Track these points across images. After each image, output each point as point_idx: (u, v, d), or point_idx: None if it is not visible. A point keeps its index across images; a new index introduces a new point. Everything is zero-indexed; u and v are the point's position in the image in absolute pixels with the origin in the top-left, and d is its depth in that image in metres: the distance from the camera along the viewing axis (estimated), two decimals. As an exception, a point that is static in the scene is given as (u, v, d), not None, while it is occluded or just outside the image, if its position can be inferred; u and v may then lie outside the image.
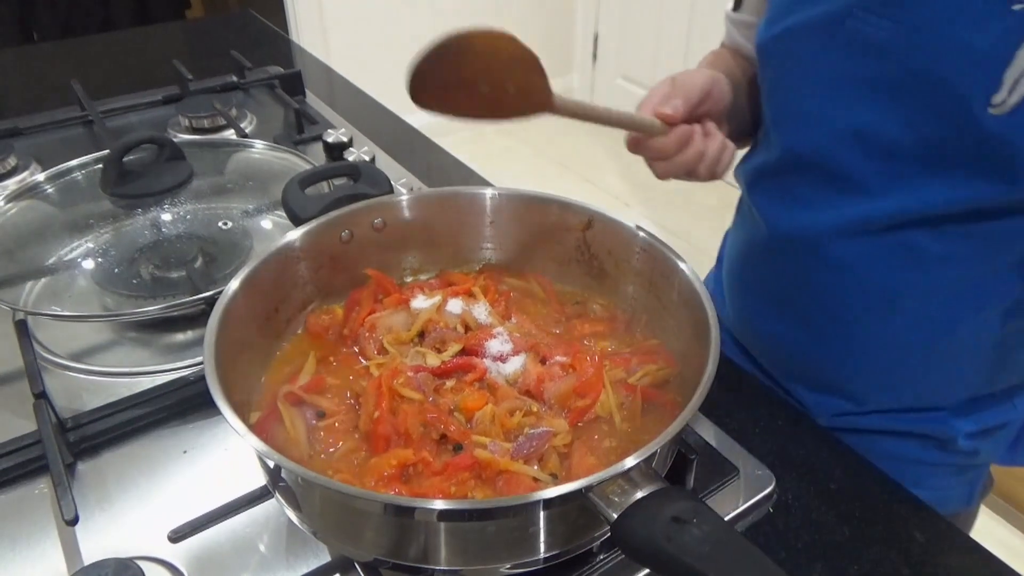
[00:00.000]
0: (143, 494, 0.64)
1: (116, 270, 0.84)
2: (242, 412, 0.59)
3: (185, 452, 0.68)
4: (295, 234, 0.67)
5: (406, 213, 0.72)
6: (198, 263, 0.85)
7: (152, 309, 0.76)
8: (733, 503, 0.63)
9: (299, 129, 1.19)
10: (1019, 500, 1.78)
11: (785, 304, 0.81)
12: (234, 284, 0.60)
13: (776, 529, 0.62)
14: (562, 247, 0.73)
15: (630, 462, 0.46)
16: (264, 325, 0.65)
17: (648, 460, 0.47)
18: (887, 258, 0.70)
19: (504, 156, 3.45)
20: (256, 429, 0.58)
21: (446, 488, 0.53)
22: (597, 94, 3.66)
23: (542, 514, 0.47)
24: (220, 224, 0.85)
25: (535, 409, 0.59)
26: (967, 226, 0.65)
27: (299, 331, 0.69)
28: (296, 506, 0.51)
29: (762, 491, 0.64)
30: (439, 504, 0.45)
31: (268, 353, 0.65)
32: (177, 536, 0.54)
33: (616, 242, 0.70)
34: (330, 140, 1.12)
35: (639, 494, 0.46)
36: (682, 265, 0.62)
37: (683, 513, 0.43)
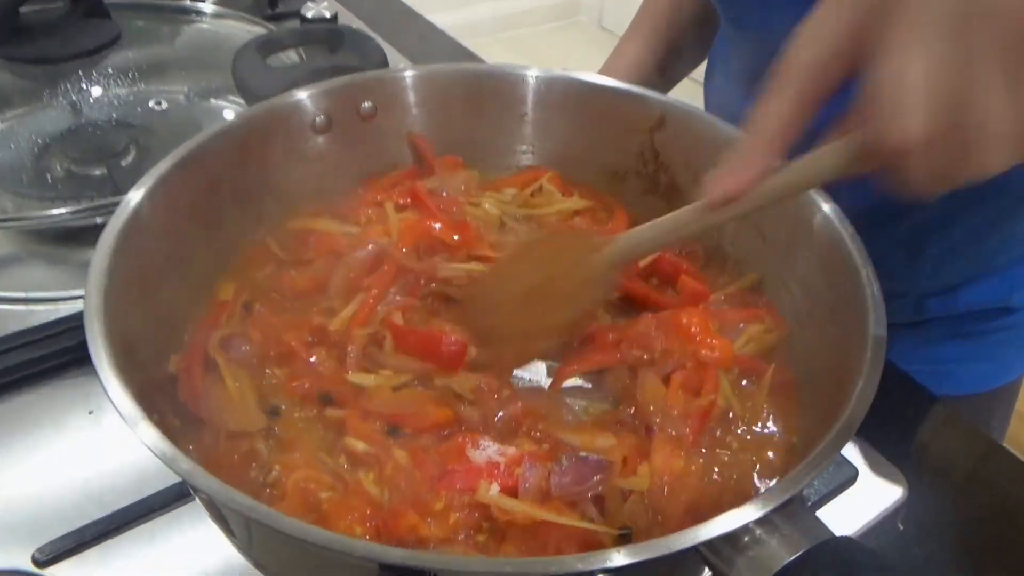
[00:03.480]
0: (26, 471, 0.46)
1: (19, 163, 0.65)
2: (157, 366, 0.40)
3: (91, 412, 0.50)
4: (245, 115, 0.47)
5: (410, 96, 0.52)
6: (129, 158, 0.65)
7: (60, 213, 0.59)
8: (852, 518, 0.45)
9: (272, 2, 0.97)
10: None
11: None
12: (147, 183, 0.40)
13: (908, 554, 0.45)
14: (621, 154, 0.53)
15: (772, 502, 0.28)
16: (202, 242, 0.46)
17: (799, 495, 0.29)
18: None
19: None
20: (182, 389, 0.39)
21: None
22: (607, 9, 3.36)
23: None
24: (153, 104, 0.64)
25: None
26: None
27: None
28: (228, 530, 0.33)
29: (890, 500, 0.46)
30: (458, 563, 0.26)
31: (204, 284, 0.46)
32: (46, 558, 0.36)
33: (698, 148, 0.50)
34: (310, 15, 0.90)
35: (785, 556, 0.27)
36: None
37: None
